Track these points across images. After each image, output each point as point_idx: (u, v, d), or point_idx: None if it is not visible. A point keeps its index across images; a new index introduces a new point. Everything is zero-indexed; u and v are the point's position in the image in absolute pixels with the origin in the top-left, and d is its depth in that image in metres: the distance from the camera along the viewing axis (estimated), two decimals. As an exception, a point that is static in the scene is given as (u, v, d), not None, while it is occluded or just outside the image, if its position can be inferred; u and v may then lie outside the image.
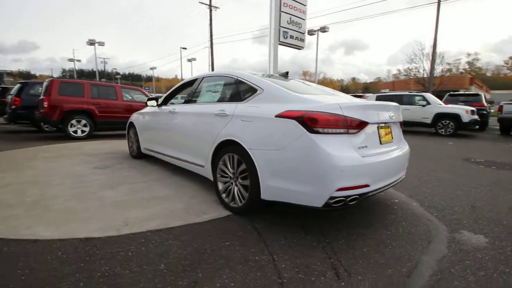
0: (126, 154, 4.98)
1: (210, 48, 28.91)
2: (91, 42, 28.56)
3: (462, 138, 9.03)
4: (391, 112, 2.33)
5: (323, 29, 20.60)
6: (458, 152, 6.27)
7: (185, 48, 34.36)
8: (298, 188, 1.96)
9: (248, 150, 2.21)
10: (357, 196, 1.93)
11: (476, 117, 9.09)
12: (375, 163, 2.02)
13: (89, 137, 6.93)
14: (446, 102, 10.66)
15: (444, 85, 26.58)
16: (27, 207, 2.44)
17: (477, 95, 11.48)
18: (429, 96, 10.06)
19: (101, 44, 29.33)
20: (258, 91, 2.42)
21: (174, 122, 3.30)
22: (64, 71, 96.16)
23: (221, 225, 2.23)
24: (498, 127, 10.19)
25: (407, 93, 10.83)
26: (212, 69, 28.28)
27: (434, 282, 1.57)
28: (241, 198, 2.37)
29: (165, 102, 3.87)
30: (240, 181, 2.39)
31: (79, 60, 48.66)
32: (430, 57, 28.54)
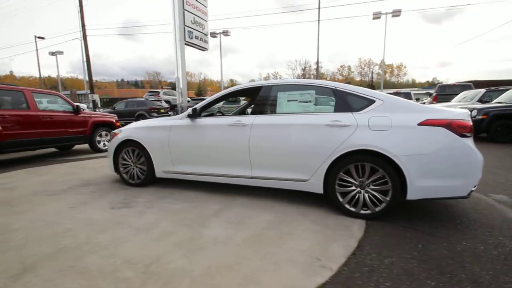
0: (112, 183, 3.74)
1: (83, 40, 23.74)
2: None
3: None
4: None
5: (226, 33, 21.18)
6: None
7: (42, 38, 26.45)
8: (447, 183, 2.33)
9: (393, 158, 2.36)
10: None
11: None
12: None
13: (-11, 167, 4.55)
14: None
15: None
16: (176, 280, 1.63)
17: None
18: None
19: None
20: (376, 102, 2.58)
21: (249, 137, 2.87)
22: None
23: (383, 232, 2.28)
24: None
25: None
26: (88, 64, 23.01)
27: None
28: (376, 204, 2.49)
29: (199, 113, 3.25)
30: (373, 187, 2.50)
31: None
32: (304, 65, 34.99)
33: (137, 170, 3.57)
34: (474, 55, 77.30)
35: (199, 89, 53.66)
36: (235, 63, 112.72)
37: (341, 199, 2.61)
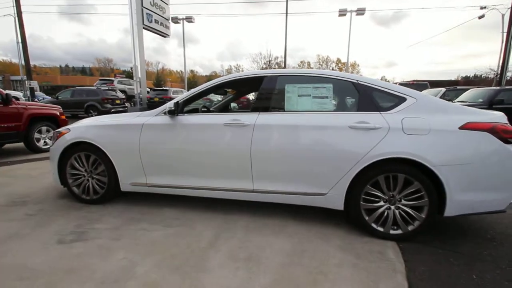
0: (57, 199, 2.81)
1: (17, 18, 20.11)
2: None
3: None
4: None
5: (189, 19, 19.56)
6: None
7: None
8: (487, 196, 2.01)
9: (432, 168, 1.97)
10: None
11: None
12: None
13: None
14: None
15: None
16: None
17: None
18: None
19: None
20: (408, 100, 2.16)
21: (251, 141, 2.25)
22: None
23: (423, 259, 1.88)
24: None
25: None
26: (24, 45, 19.40)
27: None
28: (408, 222, 2.10)
29: (182, 109, 2.52)
30: (405, 202, 2.09)
31: None
32: (268, 58, 34.94)
33: (94, 182, 2.70)
34: (413, 58, 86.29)
35: (158, 79, 50.23)
36: (194, 53, 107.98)
37: (366, 217, 2.16)
